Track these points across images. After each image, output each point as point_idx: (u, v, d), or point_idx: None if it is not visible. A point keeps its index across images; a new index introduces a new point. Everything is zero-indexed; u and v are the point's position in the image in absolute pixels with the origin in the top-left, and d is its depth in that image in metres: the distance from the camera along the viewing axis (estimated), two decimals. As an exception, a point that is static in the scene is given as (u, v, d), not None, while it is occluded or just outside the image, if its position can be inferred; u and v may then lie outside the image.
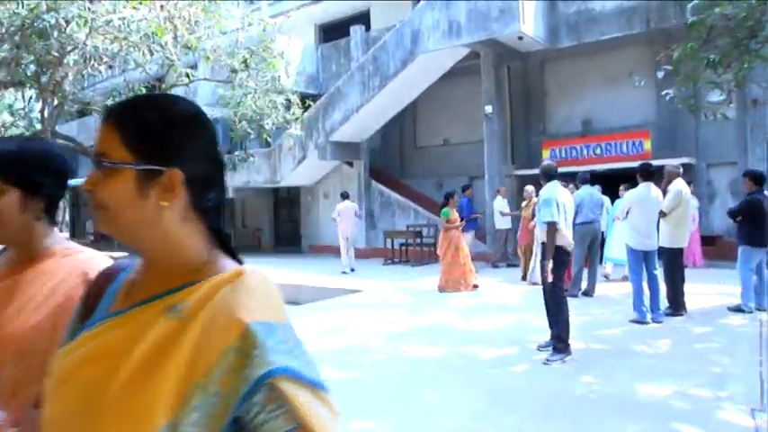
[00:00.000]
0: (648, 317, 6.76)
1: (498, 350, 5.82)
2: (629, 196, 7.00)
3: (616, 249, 9.66)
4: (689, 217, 7.29)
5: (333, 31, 19.27)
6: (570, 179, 9.57)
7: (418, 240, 14.41)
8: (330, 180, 17.34)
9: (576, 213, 8.54)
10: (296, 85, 12.08)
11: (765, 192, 7.31)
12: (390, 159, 18.23)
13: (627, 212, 7.05)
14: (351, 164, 16.53)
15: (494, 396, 4.46)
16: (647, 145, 13.24)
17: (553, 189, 5.63)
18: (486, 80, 14.13)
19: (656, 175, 7.31)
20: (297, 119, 11.29)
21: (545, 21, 13.29)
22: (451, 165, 16.94)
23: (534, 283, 9.61)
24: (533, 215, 10.07)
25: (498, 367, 5.23)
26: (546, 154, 14.97)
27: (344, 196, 13.66)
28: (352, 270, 13.10)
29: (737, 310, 7.30)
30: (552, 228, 5.44)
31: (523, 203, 11.04)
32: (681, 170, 7.45)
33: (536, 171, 14.48)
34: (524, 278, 10.39)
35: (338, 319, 7.76)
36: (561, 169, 14.18)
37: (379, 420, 4.04)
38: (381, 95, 14.43)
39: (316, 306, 9.03)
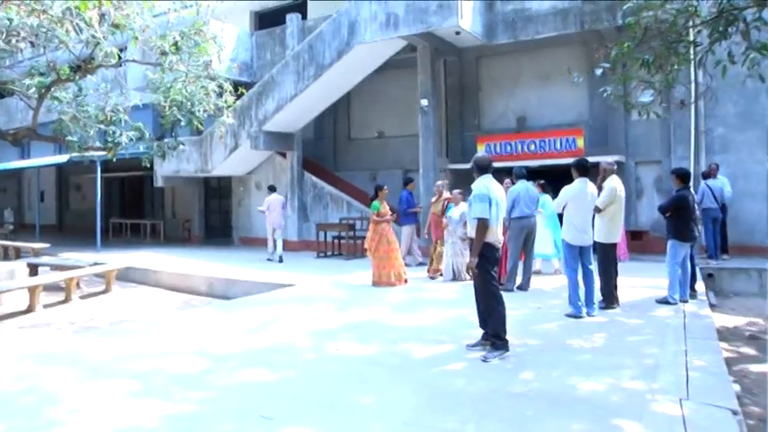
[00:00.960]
0: (584, 311, 6.79)
1: (434, 348, 5.65)
2: (565, 192, 6.98)
3: (540, 244, 9.79)
4: (623, 212, 7.38)
5: (269, 19, 18.78)
6: (506, 174, 9.55)
7: (351, 234, 14.19)
8: (262, 170, 16.89)
9: (513, 208, 8.54)
10: (229, 72, 11.61)
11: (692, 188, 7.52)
12: (324, 151, 17.93)
13: (563, 208, 7.04)
14: (284, 154, 16.14)
15: (431, 397, 4.28)
16: (580, 142, 13.48)
17: (487, 183, 5.46)
18: (422, 73, 14.04)
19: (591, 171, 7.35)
20: (229, 106, 10.84)
21: (482, 17, 13.31)
22: (385, 158, 16.84)
23: (454, 279, 9.69)
24: (444, 211, 10.07)
25: (435, 366, 5.06)
26: (481, 149, 15.01)
27: (272, 189, 14.26)
28: (281, 260, 13.37)
29: (664, 302, 7.49)
30: (483, 225, 5.25)
31: (433, 199, 10.86)
32: (615, 166, 7.54)
33: (465, 165, 14.89)
34: (435, 275, 10.28)
35: (269, 314, 7.42)
36: (496, 164, 14.51)
37: (312, 426, 3.78)
38: (316, 85, 14.11)
39: (246, 301, 8.66)
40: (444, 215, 10.00)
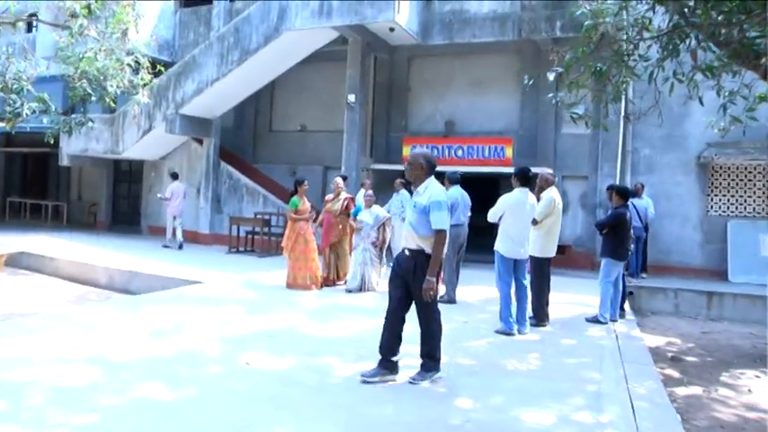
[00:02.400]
0: (515, 328, 6.39)
1: (355, 365, 5.01)
2: (504, 201, 6.55)
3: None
4: (559, 226, 7.07)
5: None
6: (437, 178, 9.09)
7: (266, 229, 13.36)
8: (177, 156, 15.72)
9: (450, 215, 8.07)
10: (147, 47, 10.47)
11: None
12: (242, 141, 16.94)
13: (500, 218, 6.59)
14: (200, 141, 15.04)
15: (356, 428, 3.66)
16: (509, 152, 13.32)
17: (440, 188, 4.84)
18: (351, 68, 13.48)
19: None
20: (145, 84, 9.74)
21: (419, 15, 12.88)
22: (306, 152, 16.13)
23: (350, 291, 8.73)
24: (345, 212, 9.22)
25: (358, 388, 4.44)
26: (407, 150, 14.62)
27: (175, 176, 14.14)
28: (181, 247, 13.42)
29: (595, 320, 7.26)
30: (443, 237, 4.56)
31: (329, 196, 9.69)
32: (555, 178, 7.23)
33: (394, 166, 14.47)
34: (330, 283, 9.24)
35: (174, 315, 6.57)
36: None
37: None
38: (240, 71, 13.19)
39: (149, 298, 7.71)
40: (350, 217, 9.27)
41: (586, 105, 7.67)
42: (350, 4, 11.99)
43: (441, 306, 7.77)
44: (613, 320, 7.37)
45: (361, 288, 8.80)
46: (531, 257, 6.80)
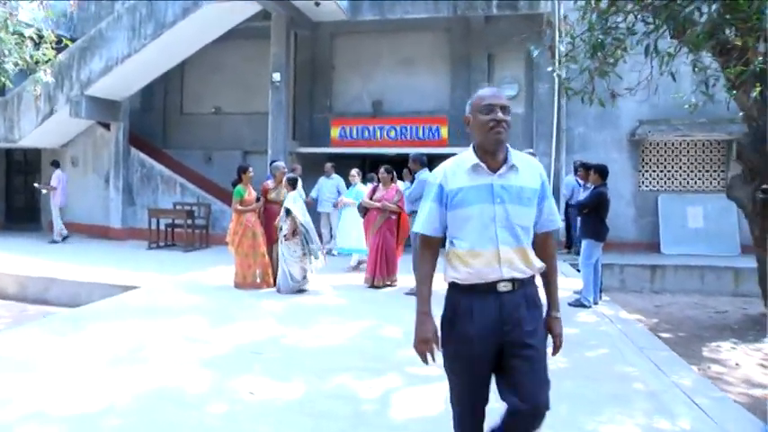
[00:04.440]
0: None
1: (377, 380, 4.40)
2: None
3: (357, 239, 9.14)
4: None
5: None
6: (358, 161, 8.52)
7: (189, 221, 12.20)
8: (80, 143, 13.97)
9: (418, 201, 7.53)
10: (44, 22, 8.94)
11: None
12: (151, 125, 15.37)
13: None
14: (107, 126, 13.40)
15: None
16: (444, 132, 12.98)
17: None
18: (275, 45, 12.54)
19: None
20: (48, 60, 8.28)
21: (349, -11, 12.10)
22: (223, 136, 14.96)
23: (279, 292, 7.72)
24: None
25: (400, 411, 3.82)
26: (335, 132, 13.95)
27: (57, 164, 13.30)
28: (65, 239, 12.80)
29: (579, 304, 7.05)
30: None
31: (268, 183, 8.54)
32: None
33: (319, 149, 13.70)
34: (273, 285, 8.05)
35: (128, 335, 5.53)
36: (350, 150, 13.64)
37: None
38: (154, 46, 11.79)
39: (88, 313, 6.47)
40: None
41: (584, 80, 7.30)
42: (277, -27, 11.01)
43: (411, 299, 7.35)
44: (595, 303, 7.20)
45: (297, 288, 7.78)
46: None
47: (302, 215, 7.73)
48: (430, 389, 4.18)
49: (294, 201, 7.77)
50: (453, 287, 2.45)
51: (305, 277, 7.82)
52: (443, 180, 2.44)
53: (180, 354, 4.98)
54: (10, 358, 4.79)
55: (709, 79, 6.34)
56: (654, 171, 12.50)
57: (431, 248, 2.52)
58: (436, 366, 4.55)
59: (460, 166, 2.43)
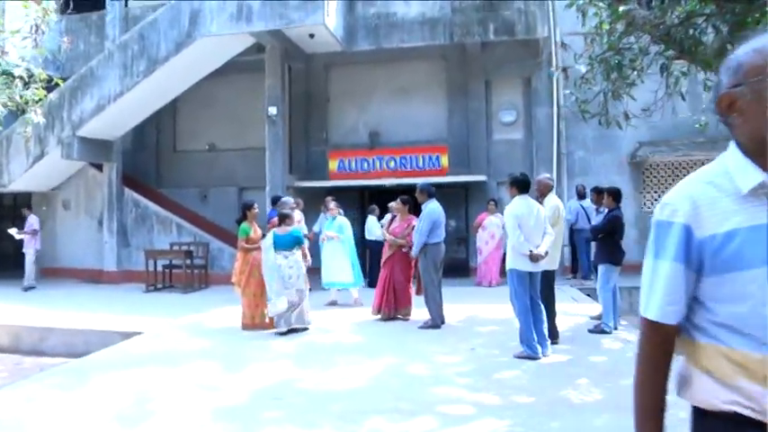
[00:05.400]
0: (539, 351, 5.76)
1: (409, 423, 4.13)
2: (514, 214, 5.89)
3: (338, 272, 9.13)
4: (563, 235, 6.56)
5: (82, 2, 15.44)
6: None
7: (188, 261, 11.90)
8: (72, 186, 13.68)
9: (432, 231, 7.35)
10: (32, 61, 8.74)
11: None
12: (144, 165, 15.14)
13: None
14: (99, 167, 13.14)
15: None
16: (445, 161, 12.88)
17: None
18: (271, 78, 12.45)
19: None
20: (39, 100, 8.06)
21: (343, 19, 12.07)
22: (218, 173, 14.75)
23: (292, 330, 7.25)
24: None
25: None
26: (333, 165, 13.80)
27: (29, 208, 13.10)
28: (27, 289, 12.12)
29: (600, 331, 6.84)
30: None
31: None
32: (554, 182, 6.73)
33: (317, 183, 13.50)
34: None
35: (136, 385, 5.21)
36: (349, 183, 13.46)
37: None
38: (147, 83, 11.64)
39: (90, 364, 6.09)
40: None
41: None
42: (272, 5, 10.96)
43: (429, 332, 7.12)
44: (615, 328, 6.98)
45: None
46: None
47: (265, 258, 7.41)
48: (467, 430, 3.94)
49: (265, 241, 7.52)
50: (704, 418, 1.41)
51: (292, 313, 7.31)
52: (692, 216, 1.34)
53: (192, 404, 4.67)
54: (7, 420, 4.43)
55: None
56: (656, 192, 12.43)
57: (663, 347, 1.43)
58: (470, 405, 4.38)
59: (722, 188, 1.34)
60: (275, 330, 7.32)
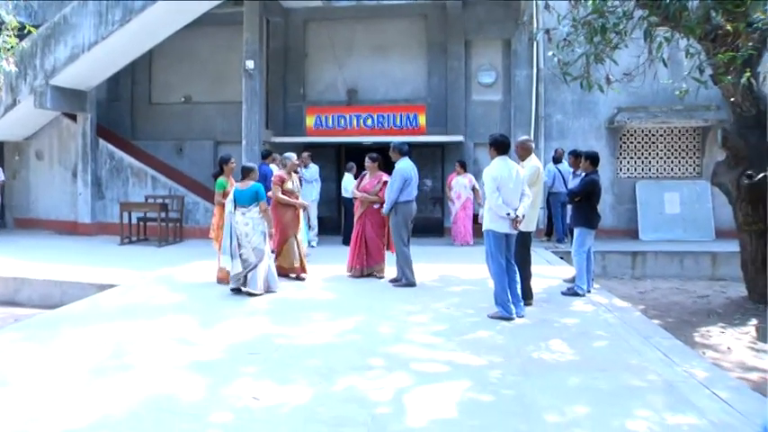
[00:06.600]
0: (514, 311, 5.87)
1: (384, 380, 4.21)
2: (491, 175, 5.89)
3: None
4: (541, 196, 6.62)
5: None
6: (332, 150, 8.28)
7: (163, 215, 11.78)
8: (44, 136, 13.38)
9: (403, 189, 7.36)
10: (4, 9, 8.39)
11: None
12: (119, 116, 14.81)
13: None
14: (73, 117, 12.82)
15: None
16: (422, 120, 12.79)
17: None
18: (248, 31, 12.17)
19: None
20: (10, 48, 7.78)
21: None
22: (193, 126, 14.56)
23: (269, 292, 7.06)
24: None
25: (420, 414, 3.64)
26: (310, 121, 13.63)
27: None
28: None
29: (573, 293, 6.99)
30: None
31: (283, 173, 8.13)
32: (533, 144, 6.74)
33: (294, 139, 13.36)
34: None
35: (110, 338, 5.21)
36: (326, 139, 13.35)
37: None
38: (123, 32, 11.27)
39: (63, 316, 6.08)
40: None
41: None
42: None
43: (403, 291, 7.19)
44: (588, 291, 7.13)
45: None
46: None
47: (226, 214, 7.19)
48: (442, 388, 4.04)
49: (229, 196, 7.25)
50: None
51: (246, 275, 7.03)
52: None
53: (169, 357, 4.70)
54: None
55: (702, 65, 6.30)
56: (632, 158, 12.58)
57: None
58: (444, 364, 4.47)
59: None
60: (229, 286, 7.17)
